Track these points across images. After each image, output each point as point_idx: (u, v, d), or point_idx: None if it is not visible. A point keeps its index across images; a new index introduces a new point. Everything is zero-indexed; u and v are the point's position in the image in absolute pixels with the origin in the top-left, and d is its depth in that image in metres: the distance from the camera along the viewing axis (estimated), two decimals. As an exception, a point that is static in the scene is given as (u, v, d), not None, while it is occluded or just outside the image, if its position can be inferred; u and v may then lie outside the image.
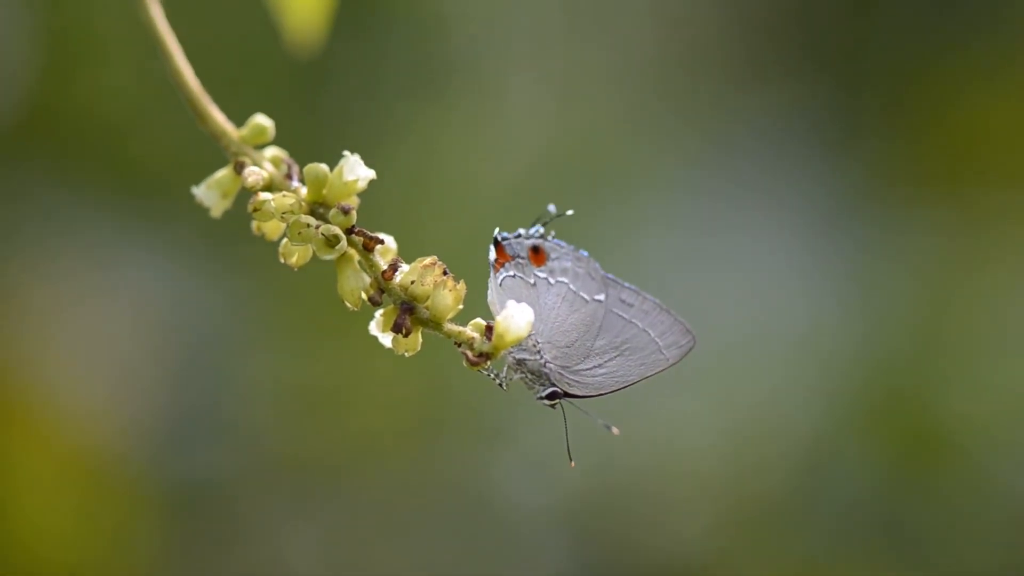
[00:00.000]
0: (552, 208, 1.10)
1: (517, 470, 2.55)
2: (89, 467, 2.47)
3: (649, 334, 1.05)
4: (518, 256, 1.06)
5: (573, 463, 1.14)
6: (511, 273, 1.06)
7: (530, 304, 1.03)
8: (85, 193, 2.59)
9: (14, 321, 2.53)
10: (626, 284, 1.06)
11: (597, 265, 1.06)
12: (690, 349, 1.05)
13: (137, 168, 2.59)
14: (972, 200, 2.72)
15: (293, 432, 2.55)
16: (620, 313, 1.05)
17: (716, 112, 2.78)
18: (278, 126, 1.01)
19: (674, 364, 1.06)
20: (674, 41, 2.80)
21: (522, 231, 1.07)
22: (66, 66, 2.56)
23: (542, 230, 1.07)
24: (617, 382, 1.06)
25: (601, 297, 1.05)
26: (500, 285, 1.06)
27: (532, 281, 1.06)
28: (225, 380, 2.54)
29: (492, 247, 1.07)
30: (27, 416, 2.48)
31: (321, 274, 2.50)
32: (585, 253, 1.06)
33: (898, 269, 2.68)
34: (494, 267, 1.06)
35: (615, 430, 1.12)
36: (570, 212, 1.11)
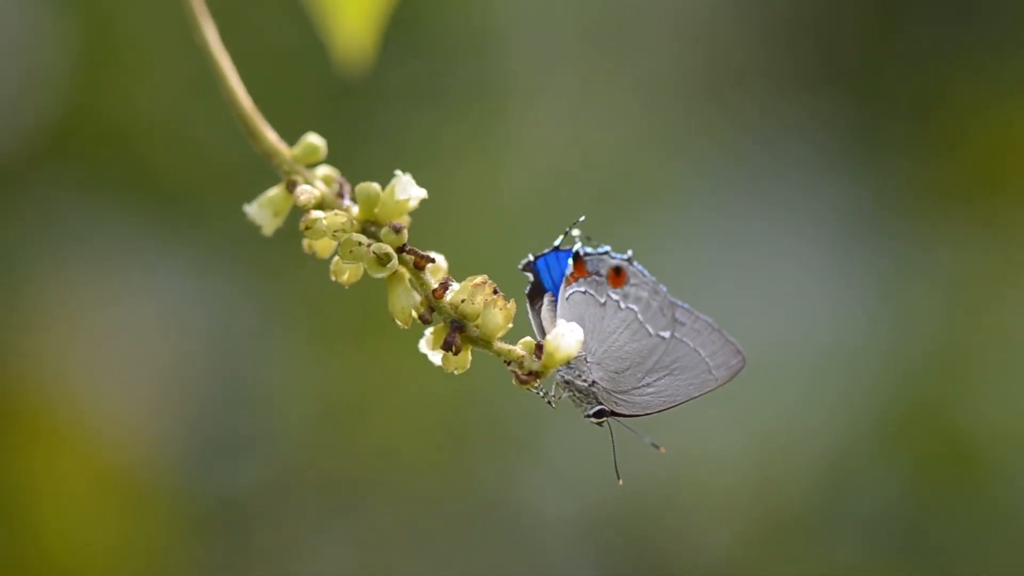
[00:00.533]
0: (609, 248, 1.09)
1: (543, 482, 2.55)
2: (116, 481, 2.47)
3: (700, 354, 1.05)
4: (597, 273, 1.06)
5: (621, 481, 1.14)
6: (582, 289, 1.06)
7: (592, 322, 1.04)
8: (111, 200, 2.60)
9: (40, 330, 2.54)
10: (680, 303, 1.06)
11: (671, 299, 1.06)
12: (740, 370, 1.05)
13: (164, 176, 2.60)
14: (996, 214, 2.72)
15: (319, 444, 2.55)
16: (672, 332, 1.06)
17: (739, 127, 2.79)
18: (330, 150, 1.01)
19: (723, 385, 1.06)
20: (696, 57, 2.80)
21: (609, 248, 1.07)
22: (95, 73, 2.56)
23: (631, 253, 1.07)
24: (665, 401, 1.06)
25: (666, 335, 1.05)
26: (567, 299, 1.06)
27: (603, 300, 1.06)
28: (253, 388, 2.55)
29: (571, 261, 1.07)
30: (53, 429, 2.48)
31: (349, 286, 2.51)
32: (664, 288, 1.06)
33: (923, 282, 2.68)
34: (567, 280, 1.06)
35: (662, 449, 1.12)
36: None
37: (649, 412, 1.05)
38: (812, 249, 2.70)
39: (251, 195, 1.02)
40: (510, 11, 2.71)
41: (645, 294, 1.05)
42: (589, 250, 1.06)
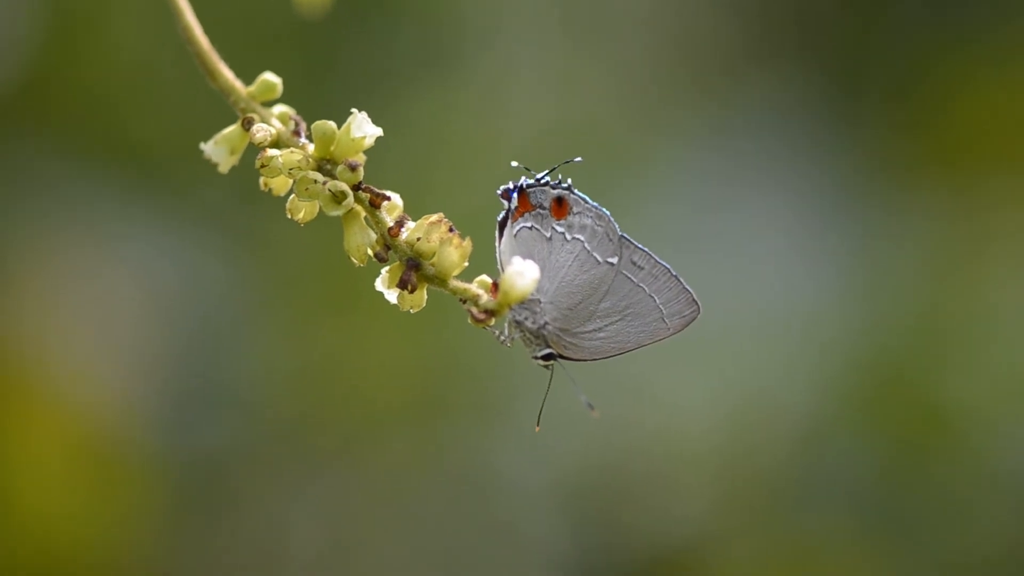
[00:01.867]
0: (579, 159, 1.08)
1: (517, 450, 2.55)
2: (93, 445, 2.47)
3: (655, 300, 1.04)
4: (540, 206, 1.05)
5: (597, 413, 1.13)
6: (528, 224, 1.04)
7: (541, 259, 1.03)
8: (88, 168, 2.59)
9: (16, 298, 2.54)
10: (639, 245, 1.04)
11: (616, 226, 1.05)
12: (693, 319, 1.04)
13: (141, 143, 2.59)
14: (970, 185, 2.73)
15: (296, 408, 2.55)
16: (629, 275, 1.04)
17: (716, 95, 2.79)
18: (291, 94, 1.01)
19: (675, 334, 1.04)
20: (674, 27, 2.80)
21: (548, 178, 1.05)
22: (69, 38, 2.56)
23: (570, 181, 1.06)
24: (615, 348, 1.04)
25: (614, 260, 1.04)
26: (515, 236, 1.05)
27: (548, 235, 1.04)
28: (229, 356, 2.55)
29: (515, 194, 1.06)
30: (29, 394, 2.48)
31: (326, 249, 2.51)
32: (607, 212, 1.05)
33: (898, 252, 2.68)
34: (512, 216, 1.05)
35: (596, 413, 1.11)
36: (579, 159, 1.10)
37: (597, 358, 1.04)
38: (788, 217, 2.70)
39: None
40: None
41: (589, 221, 1.04)
42: (531, 182, 1.06)
